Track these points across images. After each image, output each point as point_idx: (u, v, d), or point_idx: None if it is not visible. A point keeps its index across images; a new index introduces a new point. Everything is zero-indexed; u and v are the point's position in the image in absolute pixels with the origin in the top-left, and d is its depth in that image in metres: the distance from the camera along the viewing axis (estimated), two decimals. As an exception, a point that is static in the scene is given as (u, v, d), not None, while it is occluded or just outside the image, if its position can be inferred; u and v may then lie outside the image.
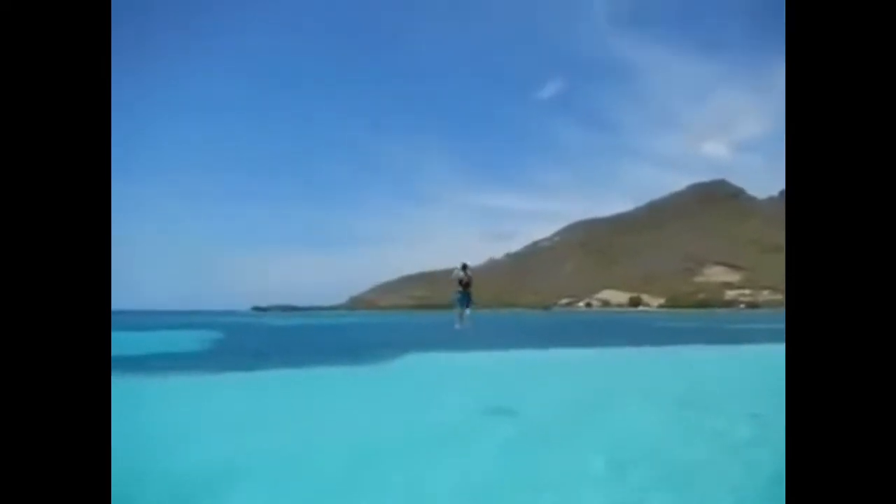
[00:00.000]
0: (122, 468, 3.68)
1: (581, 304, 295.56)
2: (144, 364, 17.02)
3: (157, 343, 28.35)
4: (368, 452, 6.87)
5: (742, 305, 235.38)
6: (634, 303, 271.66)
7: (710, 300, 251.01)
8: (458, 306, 18.86)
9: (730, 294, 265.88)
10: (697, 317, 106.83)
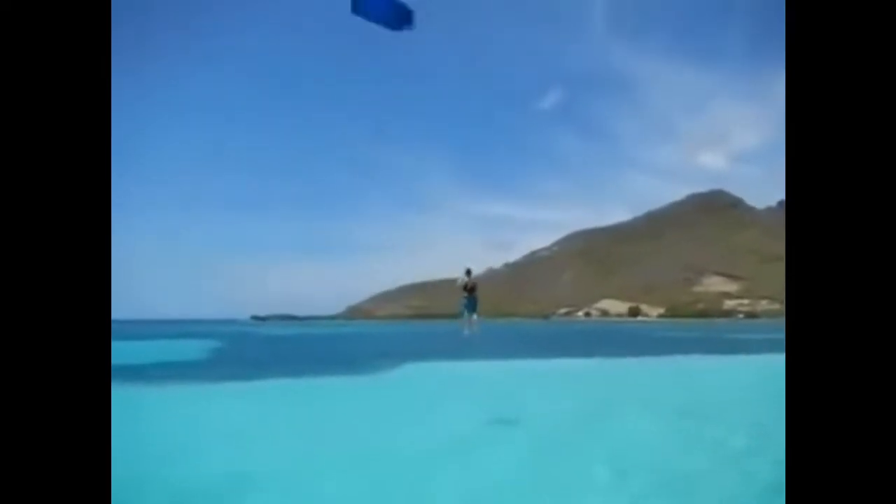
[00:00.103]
0: (122, 478, 3.67)
1: (580, 313, 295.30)
2: (144, 373, 16.94)
3: (156, 352, 28.24)
4: (369, 464, 6.83)
5: (741, 315, 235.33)
6: (633, 312, 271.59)
7: (709, 310, 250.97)
8: (465, 312, 18.80)
9: (729, 304, 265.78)
10: (697, 326, 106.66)
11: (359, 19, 5.15)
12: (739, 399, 12.14)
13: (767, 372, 16.56)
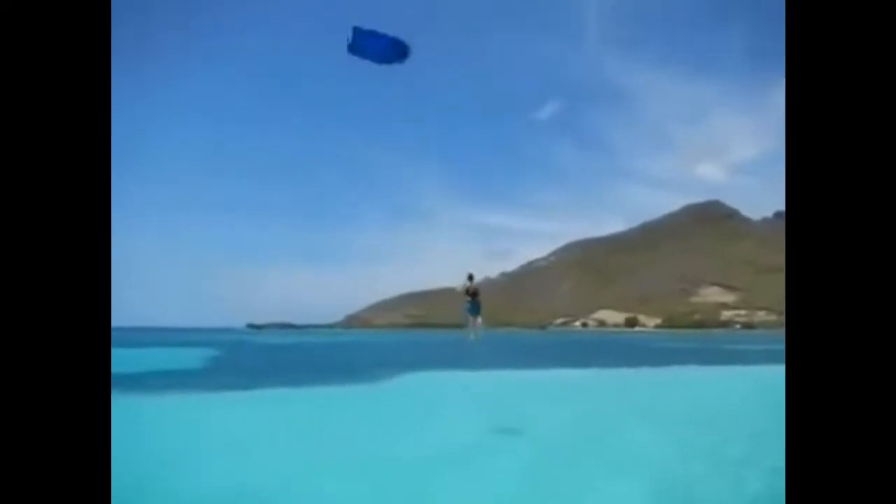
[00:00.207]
0: (122, 485, 3.66)
1: (577, 323, 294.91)
2: (143, 382, 16.92)
3: (155, 361, 28.15)
4: (366, 472, 6.80)
5: (738, 326, 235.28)
6: (631, 323, 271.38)
7: (707, 320, 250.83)
8: (469, 316, 18.93)
9: (726, 314, 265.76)
10: (694, 337, 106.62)
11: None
12: (738, 409, 12.13)
13: (766, 383, 16.58)
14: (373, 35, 5.87)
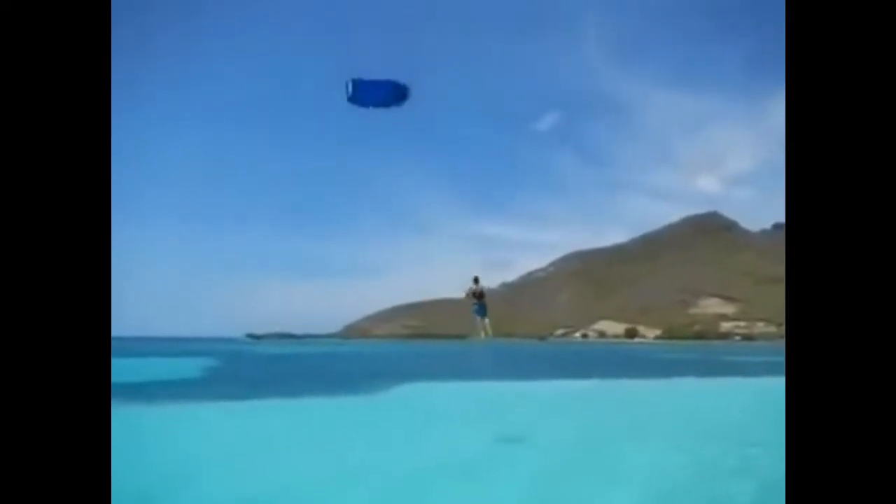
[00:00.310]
0: (121, 494, 3.64)
1: (577, 334, 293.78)
2: (143, 391, 16.87)
3: (155, 371, 28.07)
4: (365, 483, 6.77)
5: (738, 337, 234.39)
6: (631, 334, 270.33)
7: (706, 332, 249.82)
8: (477, 318, 19.17)
9: (725, 326, 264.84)
10: (694, 348, 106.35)
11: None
12: (738, 421, 12.08)
13: (765, 395, 16.50)
14: (372, 84, 5.90)
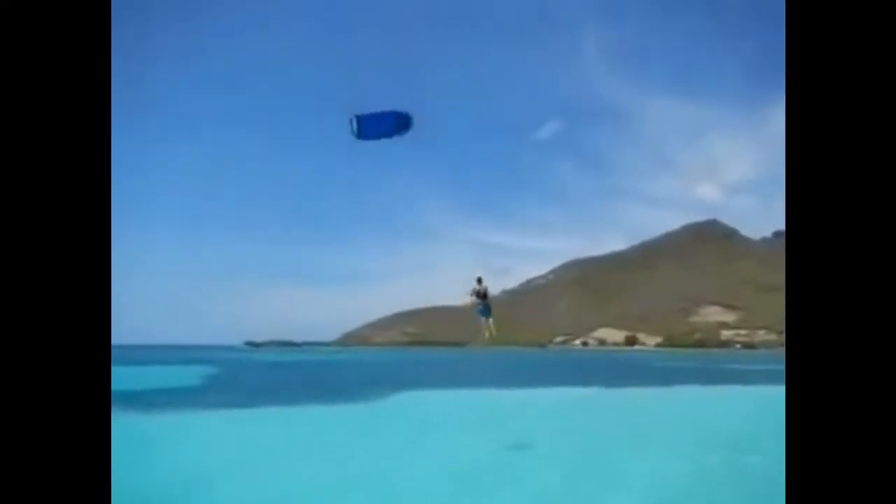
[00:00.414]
0: (122, 502, 3.63)
1: (577, 342, 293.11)
2: (143, 400, 16.86)
3: (154, 378, 28.03)
4: (364, 489, 6.75)
5: (738, 345, 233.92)
6: (631, 342, 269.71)
7: (707, 340, 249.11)
8: (482, 318, 19.21)
9: (726, 334, 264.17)
10: (694, 356, 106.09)
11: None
12: (738, 429, 12.05)
13: (766, 403, 16.47)
14: (375, 117, 6.02)
